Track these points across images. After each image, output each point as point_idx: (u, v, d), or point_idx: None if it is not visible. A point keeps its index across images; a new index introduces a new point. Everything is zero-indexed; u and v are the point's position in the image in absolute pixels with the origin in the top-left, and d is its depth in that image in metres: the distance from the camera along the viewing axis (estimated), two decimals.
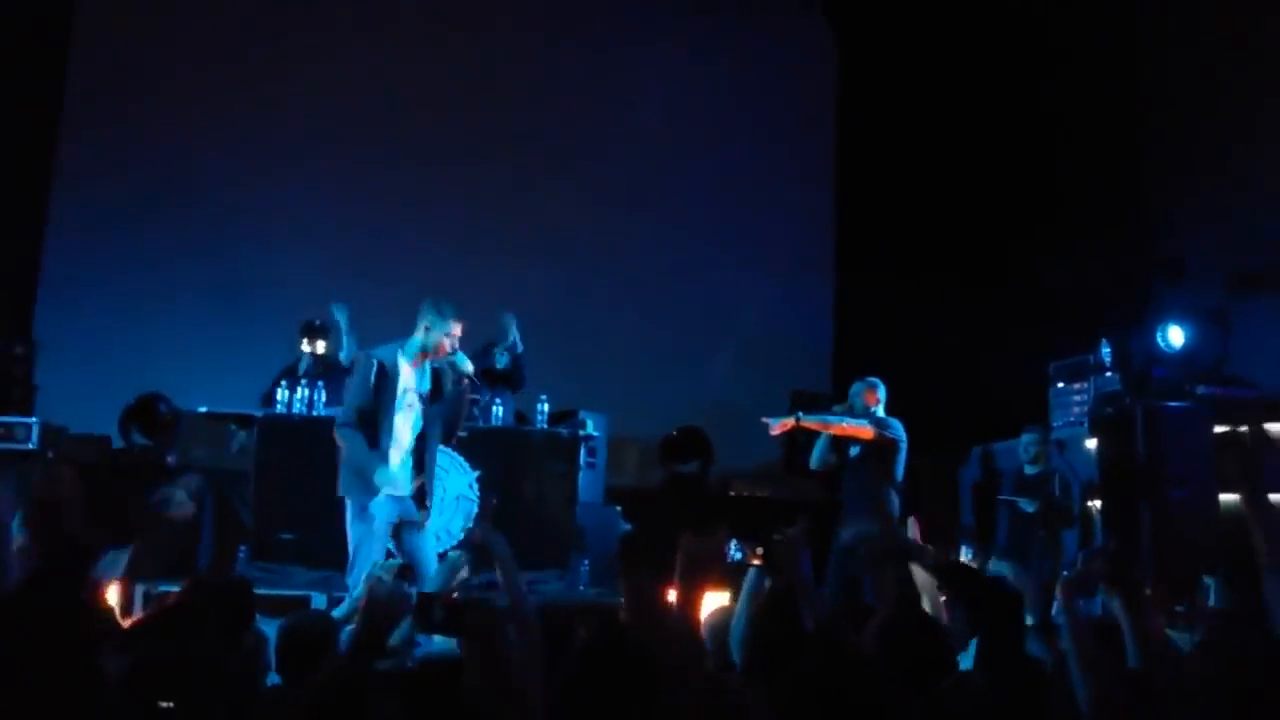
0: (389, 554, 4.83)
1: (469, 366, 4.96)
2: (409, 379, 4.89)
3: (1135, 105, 9.04)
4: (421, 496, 4.94)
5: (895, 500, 6.09)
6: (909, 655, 2.54)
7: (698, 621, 2.87)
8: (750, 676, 2.70)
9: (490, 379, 7.46)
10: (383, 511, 4.75)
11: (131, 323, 8.64)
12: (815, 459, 6.40)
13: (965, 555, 6.07)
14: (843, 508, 6.28)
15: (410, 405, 4.90)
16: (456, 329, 4.87)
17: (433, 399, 4.96)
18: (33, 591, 2.38)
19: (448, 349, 4.86)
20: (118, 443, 6.82)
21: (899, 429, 6.20)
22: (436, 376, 4.97)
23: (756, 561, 3.17)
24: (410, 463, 4.90)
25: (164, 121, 9.16)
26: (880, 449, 6.11)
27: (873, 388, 6.37)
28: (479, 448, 6.67)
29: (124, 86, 9.16)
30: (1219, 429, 6.48)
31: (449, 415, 5.01)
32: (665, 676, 2.13)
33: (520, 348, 7.45)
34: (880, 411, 6.30)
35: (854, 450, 6.24)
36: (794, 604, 2.79)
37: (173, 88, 9.25)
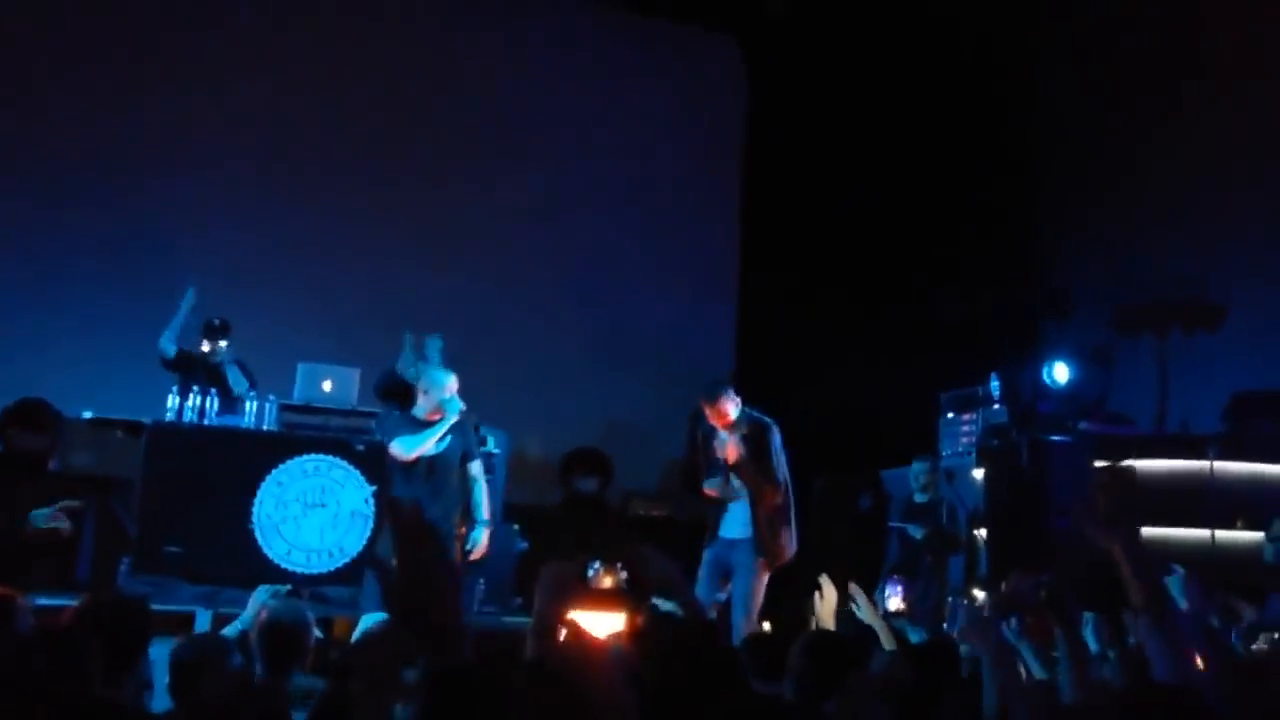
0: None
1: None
2: None
3: (1029, 142, 9.39)
4: None
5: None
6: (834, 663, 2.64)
7: (568, 643, 2.88)
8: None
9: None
10: None
11: (11, 326, 8.31)
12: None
13: (891, 594, 6.23)
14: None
15: None
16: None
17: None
18: None
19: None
20: None
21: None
22: None
23: (609, 581, 3.19)
24: None
25: (52, 117, 8.81)
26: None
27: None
28: (375, 462, 6.55)
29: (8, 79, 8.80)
30: (1099, 464, 6.73)
31: None
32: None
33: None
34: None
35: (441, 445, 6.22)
36: (702, 633, 2.81)
37: (57, 79, 8.91)
